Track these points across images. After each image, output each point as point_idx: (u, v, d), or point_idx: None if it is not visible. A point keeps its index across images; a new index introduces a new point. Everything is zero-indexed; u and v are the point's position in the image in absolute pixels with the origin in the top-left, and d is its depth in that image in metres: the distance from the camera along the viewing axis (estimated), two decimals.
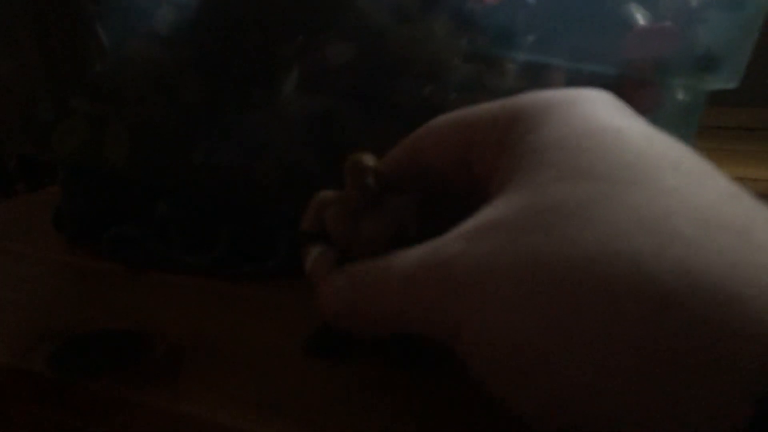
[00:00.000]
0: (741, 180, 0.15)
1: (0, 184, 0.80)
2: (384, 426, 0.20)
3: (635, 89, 0.26)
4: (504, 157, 0.18)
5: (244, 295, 0.30)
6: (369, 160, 0.21)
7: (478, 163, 0.20)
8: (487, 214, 0.17)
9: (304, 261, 0.23)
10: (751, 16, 0.24)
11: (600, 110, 0.18)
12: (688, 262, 0.13)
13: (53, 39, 0.33)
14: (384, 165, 0.23)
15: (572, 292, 0.14)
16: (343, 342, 0.24)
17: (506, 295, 0.15)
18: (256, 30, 0.30)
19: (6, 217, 0.43)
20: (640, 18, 0.26)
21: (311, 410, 0.21)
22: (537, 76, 0.27)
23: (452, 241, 0.17)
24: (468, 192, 0.21)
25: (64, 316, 0.27)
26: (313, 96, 0.30)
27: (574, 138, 0.17)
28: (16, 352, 0.24)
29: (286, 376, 0.23)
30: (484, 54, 0.28)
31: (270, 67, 0.30)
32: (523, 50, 0.27)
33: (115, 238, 0.33)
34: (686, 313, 0.13)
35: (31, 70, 0.35)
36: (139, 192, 0.34)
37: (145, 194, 0.33)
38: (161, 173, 0.33)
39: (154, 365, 0.24)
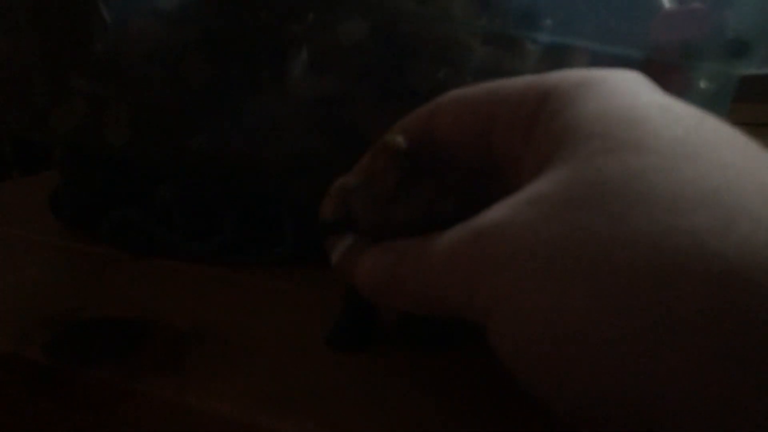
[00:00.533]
0: None
1: None
2: (393, 416, 0.19)
3: (661, 74, 0.25)
4: (536, 134, 0.17)
5: (249, 283, 0.29)
6: (404, 141, 0.20)
7: (499, 140, 0.19)
8: (530, 189, 0.16)
9: (331, 252, 0.21)
10: None
11: (641, 88, 0.17)
12: (756, 239, 0.12)
13: (53, 15, 0.32)
14: (395, 131, 0.22)
15: (628, 270, 0.13)
16: (365, 333, 0.23)
17: (547, 270, 0.14)
18: (264, 7, 0.29)
19: (1, 201, 0.42)
20: (666, 1, 0.25)
21: (317, 400, 0.20)
22: (559, 60, 0.26)
23: (494, 211, 0.16)
24: (483, 171, 0.20)
25: (62, 302, 0.26)
26: (324, 77, 0.29)
27: (618, 111, 0.16)
28: (13, 339, 0.23)
29: (292, 365, 0.22)
30: (504, 36, 0.27)
31: (278, 46, 0.29)
32: (545, 32, 0.26)
33: (115, 222, 0.32)
34: (756, 293, 0.11)
35: (29, 47, 0.33)
36: (140, 176, 0.32)
37: (146, 178, 0.32)
38: (163, 157, 0.32)
39: (155, 354, 0.23)
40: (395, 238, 0.20)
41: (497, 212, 0.16)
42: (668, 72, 0.25)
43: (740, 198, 0.13)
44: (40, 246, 0.33)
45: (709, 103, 0.26)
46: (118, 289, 0.28)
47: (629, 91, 0.16)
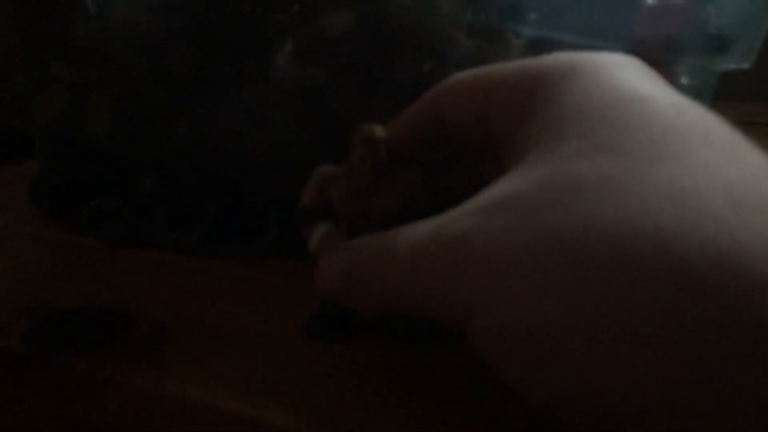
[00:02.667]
0: None
1: None
2: (374, 404, 0.19)
3: None
4: (523, 124, 0.17)
5: (230, 274, 0.29)
6: (380, 131, 0.20)
7: (496, 125, 0.19)
8: (502, 187, 0.16)
9: (308, 240, 0.21)
10: None
11: (628, 77, 0.17)
12: (719, 242, 0.12)
13: (35, 2, 0.31)
14: (399, 124, 0.22)
15: (593, 273, 0.13)
16: (344, 323, 0.23)
17: (521, 275, 0.14)
18: None
19: None
20: None
21: (297, 390, 0.20)
22: (543, 53, 0.26)
23: (465, 215, 0.16)
24: (484, 154, 0.20)
25: (41, 291, 0.26)
26: (308, 69, 0.29)
27: (597, 109, 0.16)
28: None
29: (273, 355, 0.22)
30: (488, 29, 0.27)
31: (263, 36, 0.29)
32: (529, 25, 0.26)
33: (94, 212, 0.32)
34: (717, 296, 0.12)
35: (9, 35, 0.33)
36: (121, 165, 0.32)
37: (128, 168, 0.32)
38: (145, 147, 0.32)
39: (136, 344, 0.23)
40: (371, 228, 0.20)
41: (469, 214, 0.16)
42: (651, 66, 0.25)
43: (707, 200, 0.13)
44: (19, 235, 0.33)
45: (690, 97, 0.26)
46: (98, 280, 0.28)
47: (615, 82, 0.16)
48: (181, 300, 0.26)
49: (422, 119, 0.21)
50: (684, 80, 0.26)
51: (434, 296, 0.16)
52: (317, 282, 0.20)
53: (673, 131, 0.15)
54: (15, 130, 0.57)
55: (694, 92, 0.26)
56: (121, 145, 0.32)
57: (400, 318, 0.23)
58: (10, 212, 0.35)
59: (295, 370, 0.21)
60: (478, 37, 0.27)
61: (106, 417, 0.21)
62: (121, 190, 0.32)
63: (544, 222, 0.14)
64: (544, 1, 0.26)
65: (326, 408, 0.19)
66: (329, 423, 0.19)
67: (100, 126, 0.32)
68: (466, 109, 0.20)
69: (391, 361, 0.22)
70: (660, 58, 0.25)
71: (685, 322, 0.12)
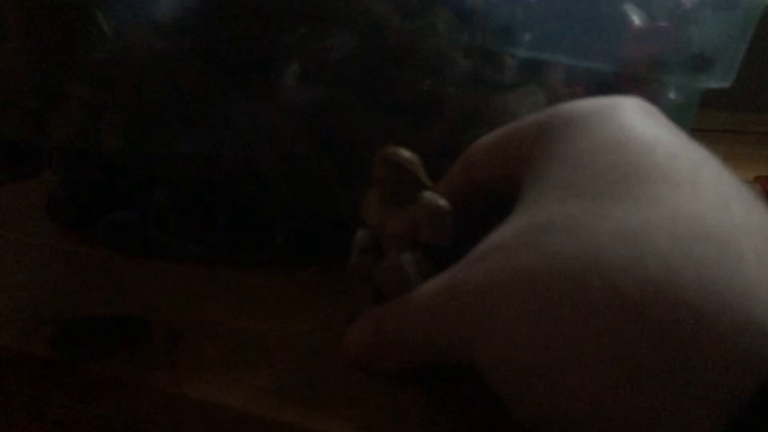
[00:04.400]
0: None
1: None
2: (386, 407, 0.20)
3: (631, 87, 0.27)
4: (527, 174, 0.19)
5: (242, 283, 0.30)
6: (403, 154, 0.21)
7: (515, 177, 0.20)
8: (493, 237, 0.18)
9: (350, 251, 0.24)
10: (745, 16, 0.25)
11: (611, 123, 0.18)
12: (658, 276, 0.14)
13: (52, 24, 0.33)
14: (442, 185, 0.23)
15: (552, 305, 0.15)
16: None
17: (502, 309, 0.16)
18: (256, 19, 0.30)
19: None
20: (636, 18, 0.27)
21: (311, 392, 0.21)
22: (535, 72, 0.28)
23: (464, 264, 0.18)
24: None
25: (62, 301, 0.27)
26: (313, 87, 0.30)
27: (575, 156, 0.17)
28: (16, 335, 0.24)
29: (285, 358, 0.23)
30: (484, 49, 0.28)
31: (271, 57, 0.31)
32: (523, 46, 0.27)
33: (110, 224, 0.33)
34: (651, 328, 0.13)
35: (26, 52, 0.34)
36: (135, 179, 0.33)
37: (141, 181, 0.33)
38: (158, 161, 0.33)
39: (154, 349, 0.24)
40: (387, 245, 0.22)
41: (466, 263, 0.18)
42: (637, 85, 0.27)
43: (652, 236, 0.14)
44: (38, 247, 0.34)
45: (675, 113, 0.27)
46: (115, 289, 0.29)
47: (599, 128, 0.18)
48: (194, 307, 0.27)
49: (457, 177, 0.23)
50: (670, 96, 0.28)
51: (446, 339, 0.18)
52: (347, 353, 0.22)
53: (636, 171, 0.16)
54: (26, 146, 0.58)
55: (679, 108, 0.28)
56: (134, 160, 0.33)
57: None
58: (29, 225, 0.37)
59: (307, 372, 0.22)
60: (474, 57, 0.28)
61: (127, 419, 0.22)
62: (136, 203, 0.33)
63: (519, 261, 0.16)
64: (537, 24, 0.27)
65: (341, 409, 0.20)
66: (345, 424, 0.20)
67: (115, 142, 0.33)
68: (490, 164, 0.22)
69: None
70: (646, 77, 0.27)
71: (626, 350, 0.13)
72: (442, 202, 0.21)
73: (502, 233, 0.18)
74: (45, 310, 0.26)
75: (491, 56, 0.28)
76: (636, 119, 0.18)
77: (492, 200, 0.23)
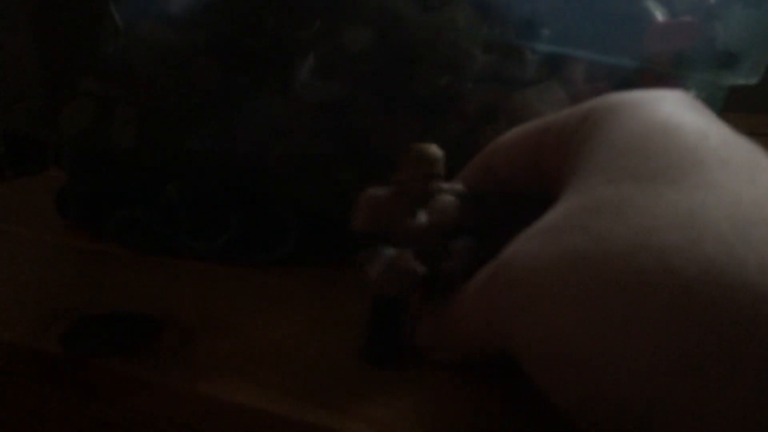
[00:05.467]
0: None
1: None
2: (404, 410, 0.20)
3: (654, 83, 0.26)
4: (568, 162, 0.19)
5: (254, 281, 0.29)
6: (436, 150, 0.21)
7: (548, 168, 0.20)
8: (543, 218, 0.18)
9: (368, 264, 0.22)
10: None
11: (659, 109, 0.18)
12: (717, 259, 0.13)
13: (64, 18, 0.32)
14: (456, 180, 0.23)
15: (602, 287, 0.14)
16: (398, 346, 0.23)
17: (547, 291, 0.15)
18: (271, 14, 0.30)
19: (4, 201, 0.42)
20: (659, 13, 0.27)
21: (325, 391, 0.21)
22: (556, 68, 0.27)
23: (509, 247, 0.18)
24: (541, 200, 0.21)
25: (73, 297, 0.27)
26: (329, 83, 0.30)
27: (625, 140, 0.17)
28: (28, 331, 0.24)
29: (297, 357, 0.23)
30: (504, 44, 0.28)
31: (285, 52, 0.30)
32: (544, 41, 0.27)
33: (121, 221, 0.33)
34: (711, 310, 0.13)
35: (38, 47, 0.34)
36: (146, 175, 0.33)
37: (153, 178, 0.33)
38: (170, 158, 0.33)
39: (167, 347, 0.23)
40: (430, 248, 0.21)
41: (514, 245, 0.18)
42: (661, 81, 0.26)
43: (711, 218, 0.14)
44: (47, 244, 0.34)
45: None
46: (126, 286, 0.29)
47: (648, 115, 0.18)
48: (206, 305, 0.27)
49: (475, 174, 0.23)
50: (693, 94, 0.27)
51: (488, 322, 0.18)
52: (418, 344, 0.23)
53: (692, 155, 0.16)
54: (32, 142, 0.58)
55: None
56: (146, 156, 0.33)
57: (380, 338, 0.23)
58: (37, 221, 0.36)
59: (320, 370, 0.22)
60: (495, 52, 0.28)
61: (140, 417, 0.22)
62: (147, 200, 0.33)
63: (567, 243, 0.16)
64: (558, 18, 0.27)
65: (355, 407, 0.20)
66: (360, 422, 0.19)
67: (126, 138, 0.33)
68: (518, 158, 0.22)
69: (414, 360, 0.23)
70: (670, 73, 0.26)
71: (683, 333, 0.13)
72: (460, 185, 0.22)
73: (551, 215, 0.17)
74: (55, 307, 0.26)
75: (511, 51, 0.28)
76: (685, 107, 0.18)
77: (506, 202, 0.23)
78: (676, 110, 0.18)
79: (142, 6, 0.31)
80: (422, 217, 0.21)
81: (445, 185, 0.22)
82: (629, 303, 0.14)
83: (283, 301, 0.28)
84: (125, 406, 0.22)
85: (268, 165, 0.31)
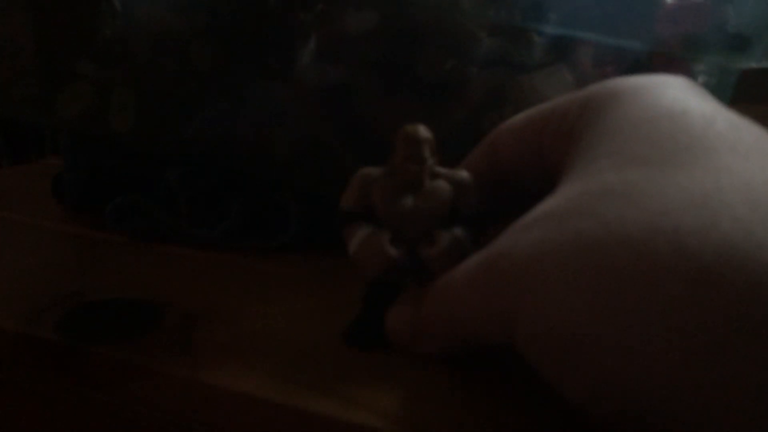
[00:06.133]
0: None
1: None
2: (406, 397, 0.20)
3: (665, 66, 0.26)
4: (571, 147, 0.18)
5: (255, 268, 0.29)
6: (424, 131, 0.20)
7: (549, 154, 0.20)
8: (543, 205, 0.17)
9: (348, 242, 0.22)
10: None
11: (663, 95, 0.17)
12: (735, 240, 0.13)
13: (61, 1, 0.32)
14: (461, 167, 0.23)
15: (615, 273, 0.14)
16: (383, 331, 0.23)
17: (555, 278, 0.15)
18: None
19: (1, 188, 0.42)
20: None
21: (326, 379, 0.20)
22: (564, 52, 0.27)
23: (510, 233, 0.17)
24: (541, 187, 0.20)
25: (70, 284, 0.27)
26: (331, 66, 0.29)
27: (630, 126, 0.17)
28: (24, 319, 0.23)
29: (301, 345, 0.23)
30: (511, 27, 0.27)
31: (286, 34, 0.30)
32: (551, 24, 0.26)
33: (119, 208, 0.32)
34: (730, 292, 0.12)
35: (33, 30, 0.33)
36: (145, 161, 0.33)
37: (152, 163, 0.32)
38: (169, 143, 0.32)
39: (167, 334, 0.23)
40: (414, 231, 0.21)
41: (512, 233, 0.17)
42: (671, 64, 0.26)
43: (726, 200, 0.13)
44: (43, 230, 0.33)
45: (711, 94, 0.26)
46: (126, 273, 0.28)
47: (651, 101, 0.17)
48: (206, 293, 0.26)
49: (480, 161, 0.23)
50: (703, 78, 0.27)
51: (486, 313, 0.17)
52: (390, 334, 0.22)
53: (701, 141, 0.15)
54: (29, 128, 0.57)
55: (714, 90, 0.27)
56: (144, 141, 0.33)
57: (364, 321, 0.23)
58: (34, 208, 0.36)
59: (322, 358, 0.22)
60: (500, 36, 0.27)
61: (139, 405, 0.22)
62: (146, 186, 0.32)
63: (574, 229, 0.15)
64: (565, 1, 0.26)
65: (356, 395, 0.20)
66: (359, 410, 0.19)
67: (124, 122, 0.32)
68: (522, 144, 0.21)
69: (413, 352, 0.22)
70: (680, 56, 0.26)
71: (701, 317, 0.12)
72: (464, 171, 0.21)
73: (552, 202, 0.17)
74: (53, 294, 0.26)
75: (517, 34, 0.27)
76: (689, 93, 0.18)
77: (511, 191, 0.23)
78: (680, 96, 0.18)
79: None
80: (409, 200, 0.21)
81: (444, 171, 0.21)
82: (645, 288, 0.13)
83: (285, 288, 0.27)
84: (125, 393, 0.22)
85: (268, 151, 0.31)
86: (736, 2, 0.25)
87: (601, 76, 0.27)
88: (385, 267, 0.21)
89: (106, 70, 0.32)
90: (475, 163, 0.23)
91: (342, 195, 0.22)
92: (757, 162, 0.15)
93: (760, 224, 0.13)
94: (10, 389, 0.24)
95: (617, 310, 0.14)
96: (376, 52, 0.29)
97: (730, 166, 0.14)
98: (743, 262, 0.12)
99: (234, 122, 0.31)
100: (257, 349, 0.22)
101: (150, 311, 0.24)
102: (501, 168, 0.22)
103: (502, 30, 0.27)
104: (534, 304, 0.15)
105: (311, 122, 0.30)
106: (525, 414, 0.19)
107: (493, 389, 0.20)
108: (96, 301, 0.25)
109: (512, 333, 0.16)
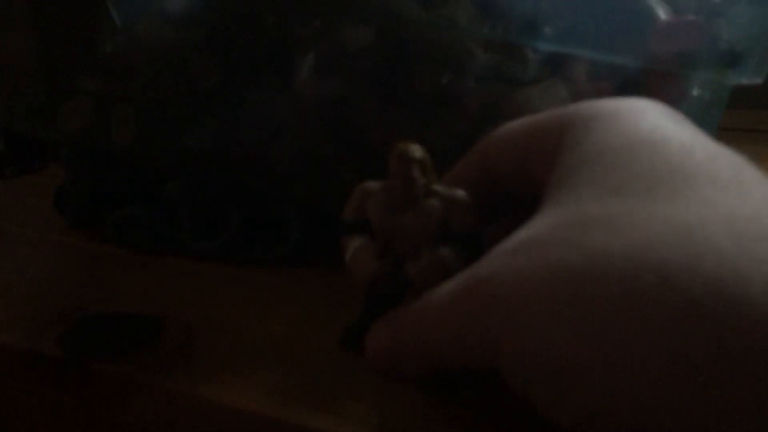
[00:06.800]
0: None
1: None
2: (404, 414, 0.20)
3: (659, 82, 0.26)
4: (553, 170, 0.19)
5: (256, 280, 0.29)
6: (416, 150, 0.20)
7: (534, 171, 0.20)
8: (526, 231, 0.17)
9: (344, 251, 0.22)
10: None
11: (642, 122, 0.18)
12: (722, 275, 0.13)
13: (62, 16, 0.32)
14: (451, 175, 0.23)
15: (601, 305, 0.14)
16: None
17: (538, 308, 0.15)
18: (272, 11, 0.30)
19: (2, 199, 0.42)
20: (662, 12, 0.26)
21: (326, 394, 0.21)
22: (559, 67, 0.27)
23: (493, 258, 0.17)
24: (529, 201, 0.20)
25: (72, 298, 0.27)
26: (329, 81, 0.30)
27: (610, 154, 0.17)
28: (26, 333, 0.24)
29: (301, 359, 0.23)
30: (506, 43, 0.27)
31: (285, 50, 0.30)
32: (546, 40, 0.27)
33: (120, 220, 0.32)
34: (720, 326, 0.12)
35: (36, 47, 0.34)
36: (146, 174, 0.33)
37: (152, 176, 0.32)
38: (170, 156, 0.33)
39: (167, 348, 0.23)
40: (403, 246, 0.21)
41: (494, 261, 0.17)
42: (665, 80, 0.26)
43: (710, 233, 0.14)
44: (45, 243, 0.33)
45: (703, 110, 0.27)
46: (126, 286, 0.28)
47: (630, 127, 0.18)
48: (207, 306, 0.27)
49: (471, 169, 0.23)
50: (697, 92, 0.27)
51: (467, 337, 0.17)
52: (368, 355, 0.21)
53: (681, 171, 0.16)
54: (33, 140, 0.58)
55: (707, 105, 0.27)
56: (145, 155, 0.33)
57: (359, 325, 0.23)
58: (36, 220, 0.36)
59: (322, 372, 0.22)
60: (496, 51, 0.28)
61: (140, 420, 0.22)
62: (146, 198, 0.32)
63: (557, 259, 0.15)
64: (561, 17, 0.26)
65: (355, 411, 0.20)
66: (356, 426, 0.19)
67: (125, 136, 0.33)
68: (509, 157, 0.21)
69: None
70: (674, 72, 0.26)
71: (690, 350, 0.13)
72: (461, 191, 0.21)
73: (533, 229, 0.17)
74: (54, 307, 0.26)
75: (513, 50, 0.27)
76: (667, 120, 0.18)
77: (503, 197, 0.23)
78: (659, 122, 0.18)
79: (140, 3, 0.31)
80: (400, 217, 0.21)
81: (441, 189, 0.21)
82: (632, 319, 0.13)
83: (285, 301, 0.27)
84: (124, 408, 0.22)
85: (268, 163, 0.31)
86: (729, 18, 0.25)
87: (595, 91, 0.27)
88: (370, 278, 0.21)
89: (107, 85, 0.32)
90: (466, 169, 0.23)
91: (341, 207, 0.23)
92: (736, 192, 0.15)
93: (744, 258, 0.13)
94: (10, 404, 0.24)
95: (604, 341, 0.14)
96: (374, 66, 0.29)
97: (711, 199, 0.15)
98: (730, 298, 0.13)
99: (233, 135, 0.31)
100: (257, 362, 0.22)
101: (149, 324, 0.25)
102: (493, 174, 0.22)
103: (498, 45, 0.28)
104: (518, 331, 0.16)
105: (310, 135, 0.31)
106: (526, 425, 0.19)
107: (486, 406, 0.20)
108: (96, 315, 0.25)
109: (495, 361, 0.17)
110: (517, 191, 0.22)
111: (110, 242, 0.33)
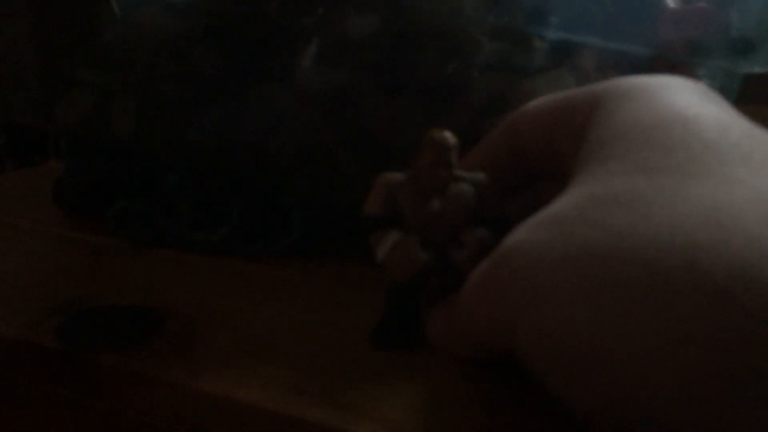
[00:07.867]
0: None
1: None
2: (407, 407, 0.19)
3: (668, 71, 0.25)
4: (581, 146, 0.18)
5: (256, 273, 0.29)
6: (451, 137, 0.20)
7: (561, 146, 0.20)
8: (553, 206, 0.17)
9: (376, 248, 0.21)
10: None
11: (676, 98, 0.17)
12: (748, 257, 0.12)
13: (62, 6, 0.32)
14: (477, 150, 0.23)
15: (624, 286, 0.14)
16: (410, 330, 0.23)
17: (556, 286, 0.15)
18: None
19: (2, 192, 0.42)
20: (672, 0, 0.26)
21: (327, 387, 0.20)
22: (566, 56, 0.27)
23: (520, 230, 0.17)
24: (556, 178, 0.20)
25: (70, 290, 0.27)
26: (333, 70, 0.29)
27: (642, 130, 0.16)
28: (25, 325, 0.23)
29: (301, 351, 0.22)
30: (512, 32, 0.27)
31: (288, 39, 0.29)
32: (553, 29, 0.26)
33: (120, 213, 0.32)
34: (743, 310, 0.12)
35: (35, 38, 0.33)
36: (146, 166, 0.33)
37: (152, 168, 0.32)
38: (170, 148, 0.32)
39: (166, 341, 0.23)
40: (442, 236, 0.21)
41: (518, 235, 0.17)
42: (675, 69, 0.26)
43: (739, 215, 0.13)
44: (44, 236, 0.33)
45: None
46: (126, 279, 0.28)
47: (663, 104, 0.17)
48: (206, 299, 0.26)
49: (498, 145, 0.22)
50: (707, 82, 0.27)
51: (488, 319, 0.17)
52: (428, 333, 0.22)
53: (713, 150, 0.15)
54: (32, 133, 0.57)
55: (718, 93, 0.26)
56: (145, 146, 0.32)
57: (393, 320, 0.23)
58: (34, 213, 0.36)
59: (323, 366, 0.22)
60: (502, 40, 0.27)
61: (139, 412, 0.21)
62: (146, 191, 0.32)
63: (580, 237, 0.15)
64: (568, 5, 0.26)
65: (357, 404, 0.20)
66: (365, 419, 0.19)
67: (125, 127, 0.32)
68: (536, 133, 0.21)
69: (411, 354, 0.22)
70: (683, 60, 0.25)
71: (712, 336, 0.12)
72: (483, 174, 0.21)
73: (560, 204, 0.16)
74: (54, 300, 0.25)
75: (519, 39, 0.27)
76: (701, 98, 0.17)
77: (529, 175, 0.23)
78: (693, 100, 0.17)
79: None
80: (435, 204, 0.21)
81: (466, 174, 0.21)
82: (654, 303, 0.13)
83: (286, 294, 0.27)
84: (125, 401, 0.21)
85: (270, 155, 0.31)
86: (740, 6, 0.25)
87: (603, 80, 0.27)
88: (417, 271, 0.21)
89: (107, 76, 0.32)
90: (492, 141, 0.23)
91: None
92: None
93: None
94: (9, 396, 0.24)
95: (624, 324, 0.13)
96: (378, 56, 0.28)
97: (744, 178, 0.14)
98: (756, 281, 0.12)
99: (235, 127, 0.31)
100: (258, 355, 0.22)
101: (150, 317, 0.24)
102: (521, 150, 0.22)
103: (504, 34, 0.27)
104: (535, 311, 0.15)
105: (312, 127, 0.30)
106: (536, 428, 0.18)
107: (502, 402, 0.20)
108: (96, 307, 0.25)
109: (513, 339, 0.16)
110: (545, 168, 0.21)
111: (110, 234, 0.32)
